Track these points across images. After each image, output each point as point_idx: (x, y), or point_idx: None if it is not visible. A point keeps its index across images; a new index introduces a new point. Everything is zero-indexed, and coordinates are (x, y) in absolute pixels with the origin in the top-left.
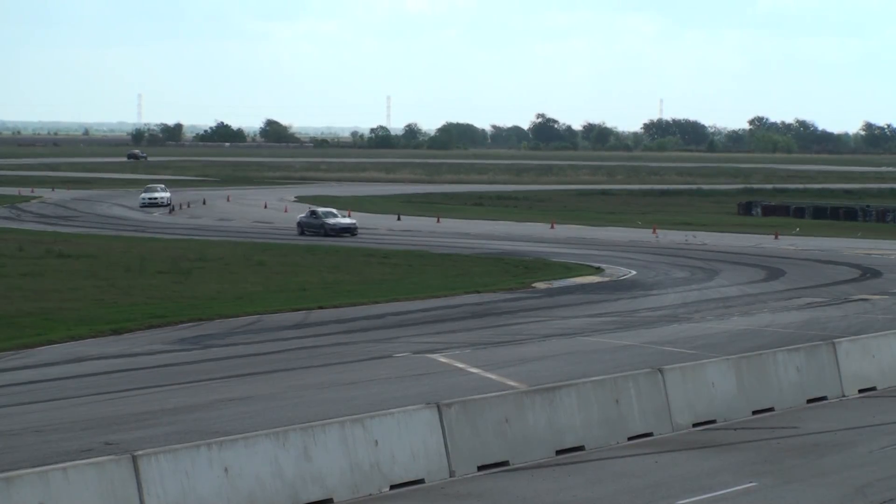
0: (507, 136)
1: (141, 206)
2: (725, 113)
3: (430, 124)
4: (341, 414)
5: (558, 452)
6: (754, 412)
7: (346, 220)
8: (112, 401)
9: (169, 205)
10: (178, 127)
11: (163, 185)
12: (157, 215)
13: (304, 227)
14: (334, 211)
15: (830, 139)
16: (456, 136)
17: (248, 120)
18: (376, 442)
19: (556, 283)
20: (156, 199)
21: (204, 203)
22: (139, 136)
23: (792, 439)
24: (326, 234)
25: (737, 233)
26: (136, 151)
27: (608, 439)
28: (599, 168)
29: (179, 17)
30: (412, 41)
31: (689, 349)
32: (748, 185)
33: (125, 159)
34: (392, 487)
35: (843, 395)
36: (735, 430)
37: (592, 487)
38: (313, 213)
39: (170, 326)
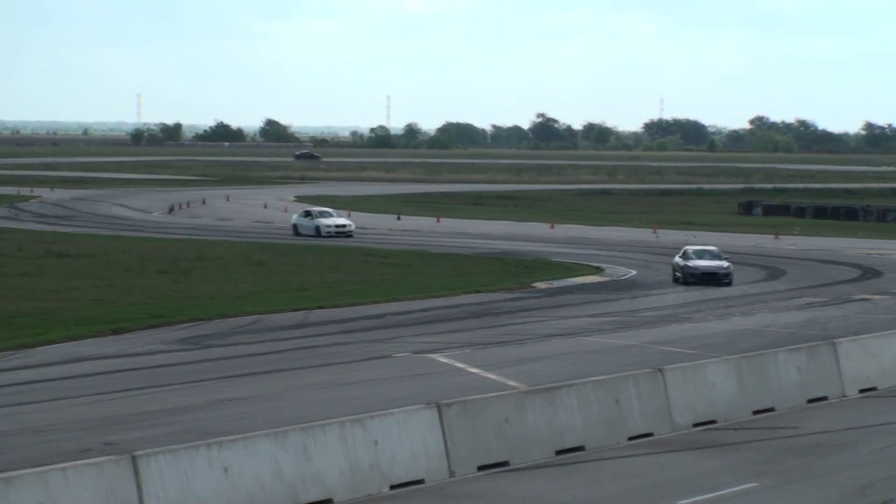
0: (507, 136)
1: (322, 235)
2: (725, 113)
3: (430, 124)
4: (341, 414)
5: (558, 452)
6: (755, 412)
7: (715, 263)
8: (112, 401)
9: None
10: (178, 127)
11: (331, 210)
12: (156, 214)
13: (675, 270)
14: (712, 249)
15: (831, 139)
16: (456, 135)
17: (248, 120)
18: (376, 442)
19: (556, 283)
20: (345, 226)
21: (204, 203)
22: (139, 136)
23: (792, 439)
24: (686, 282)
25: (737, 233)
26: (309, 151)
27: (608, 439)
28: (600, 168)
29: (178, 16)
30: (411, 41)
31: (689, 349)
32: (748, 185)
33: (292, 159)
34: (392, 488)
35: (844, 395)
36: (735, 430)
37: (592, 487)
38: (685, 253)
39: (169, 326)
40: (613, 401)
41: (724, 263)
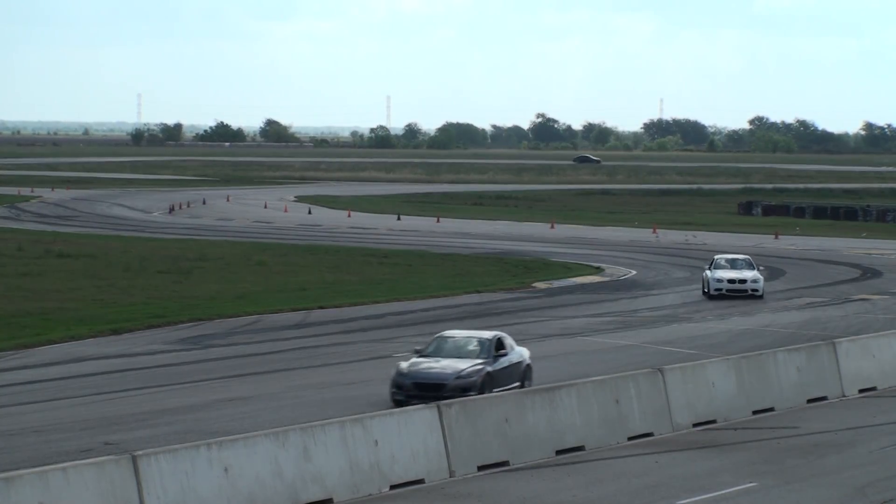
0: (507, 136)
1: (710, 294)
2: (725, 113)
3: (430, 124)
4: (341, 414)
5: (558, 452)
6: (754, 412)
7: None
8: (112, 401)
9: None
10: (178, 127)
11: (746, 258)
12: (156, 214)
13: None
14: None
15: (830, 139)
16: (456, 136)
17: (248, 120)
18: (376, 442)
19: (556, 283)
20: (744, 282)
21: (204, 203)
22: (139, 136)
23: (792, 439)
24: None
25: (737, 233)
26: (589, 155)
27: (608, 439)
28: (599, 168)
29: (178, 16)
30: (411, 41)
31: (689, 349)
32: (748, 185)
33: (572, 162)
34: (392, 487)
35: (844, 395)
36: (735, 430)
37: (592, 487)
38: None
39: (170, 326)
40: (613, 401)
41: None
